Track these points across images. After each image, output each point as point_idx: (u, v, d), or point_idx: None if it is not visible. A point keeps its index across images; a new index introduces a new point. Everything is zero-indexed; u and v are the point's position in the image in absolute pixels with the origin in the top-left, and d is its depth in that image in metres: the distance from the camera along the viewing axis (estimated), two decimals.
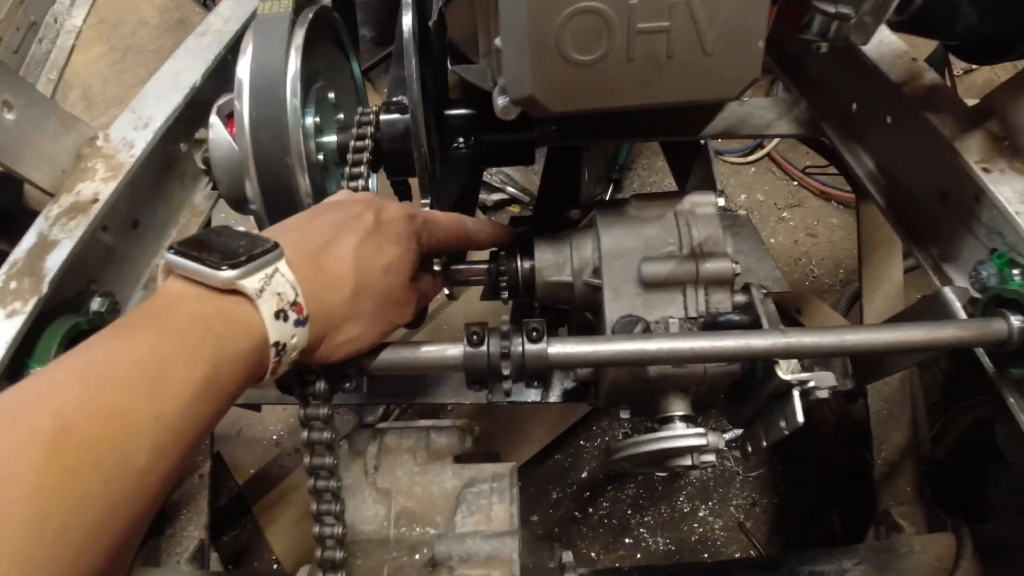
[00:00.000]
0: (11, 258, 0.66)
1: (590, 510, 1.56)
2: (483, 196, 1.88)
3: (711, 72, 0.53)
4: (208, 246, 0.45)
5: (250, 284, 0.44)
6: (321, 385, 0.55)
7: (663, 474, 1.58)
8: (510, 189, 1.87)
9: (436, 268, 0.70)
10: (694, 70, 0.53)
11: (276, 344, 0.45)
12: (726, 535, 1.51)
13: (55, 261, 0.65)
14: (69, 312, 0.66)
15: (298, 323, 0.47)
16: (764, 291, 0.88)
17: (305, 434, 0.56)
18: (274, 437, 1.63)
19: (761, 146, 2.00)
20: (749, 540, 1.50)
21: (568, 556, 0.78)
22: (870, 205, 1.14)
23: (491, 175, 1.87)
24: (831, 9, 0.56)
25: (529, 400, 0.84)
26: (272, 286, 0.45)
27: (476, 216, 0.79)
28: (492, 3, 0.53)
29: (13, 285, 0.64)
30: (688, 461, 0.64)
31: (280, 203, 0.75)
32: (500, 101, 0.57)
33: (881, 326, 0.62)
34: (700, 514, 1.54)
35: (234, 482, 1.56)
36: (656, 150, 2.06)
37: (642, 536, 1.52)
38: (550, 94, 0.54)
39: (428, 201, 0.67)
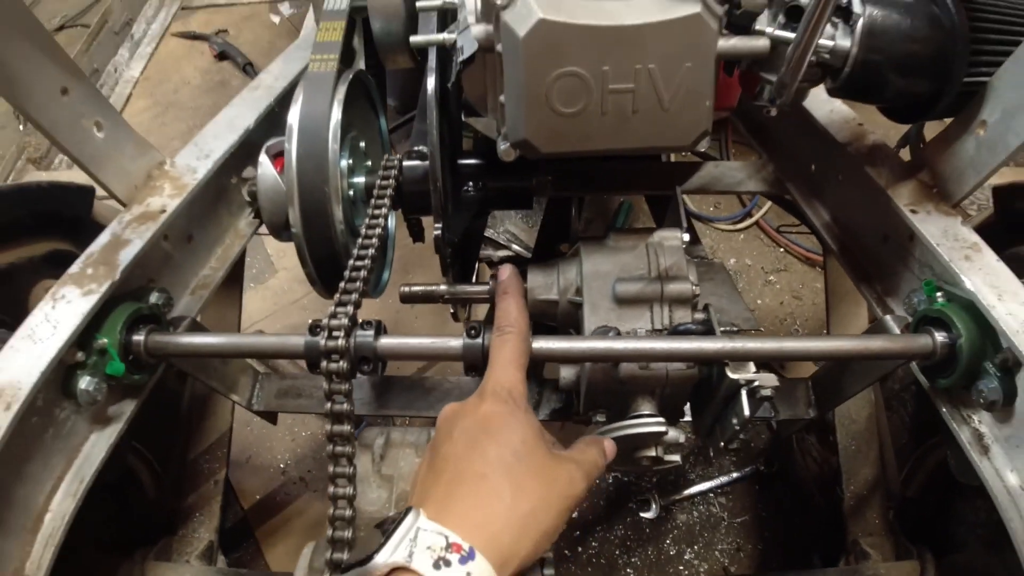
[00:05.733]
0: (88, 251, 0.80)
1: (579, 548, 1.61)
2: (490, 252, 2.03)
3: (669, 124, 0.67)
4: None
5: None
6: (343, 364, 0.66)
7: (648, 516, 1.64)
8: (515, 247, 2.01)
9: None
10: (655, 122, 0.67)
11: None
12: None
13: (127, 256, 0.79)
14: (132, 300, 0.78)
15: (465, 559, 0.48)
16: (735, 328, 1.01)
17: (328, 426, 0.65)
18: (281, 465, 1.71)
19: (750, 215, 2.15)
20: None
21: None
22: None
23: (498, 233, 2.02)
24: (771, 77, 0.70)
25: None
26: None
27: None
28: (499, 68, 0.68)
29: (90, 271, 0.77)
30: (653, 452, 0.74)
31: (317, 226, 0.87)
32: (502, 145, 0.71)
33: (817, 337, 0.73)
34: (686, 557, 1.58)
35: (240, 507, 1.63)
36: (650, 214, 2.21)
37: None
38: (540, 138, 0.68)
39: (440, 226, 0.80)
